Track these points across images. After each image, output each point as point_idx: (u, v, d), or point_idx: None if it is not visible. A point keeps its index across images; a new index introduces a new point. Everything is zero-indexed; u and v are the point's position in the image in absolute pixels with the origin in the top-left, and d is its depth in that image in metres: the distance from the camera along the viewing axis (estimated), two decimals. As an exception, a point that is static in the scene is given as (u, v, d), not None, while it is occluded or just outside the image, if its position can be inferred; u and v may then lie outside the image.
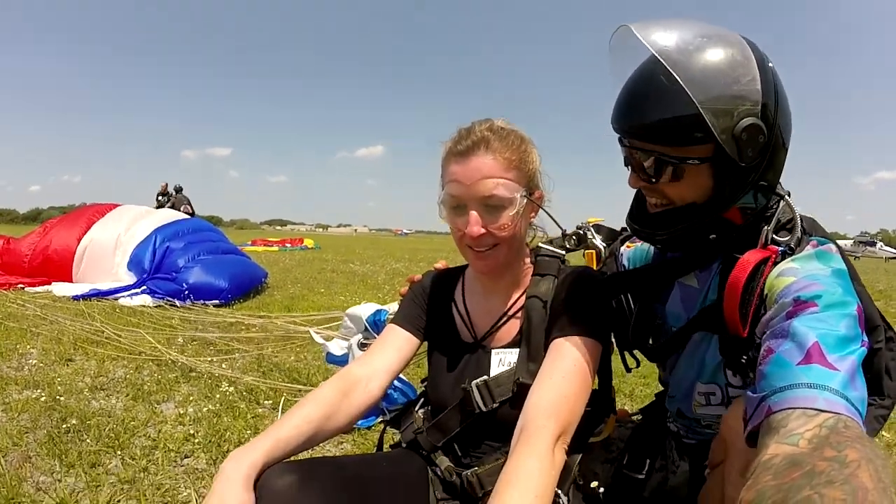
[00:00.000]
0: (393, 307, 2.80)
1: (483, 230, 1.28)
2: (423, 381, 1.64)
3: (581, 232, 1.69)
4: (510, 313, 1.43)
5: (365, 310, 2.82)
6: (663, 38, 1.09)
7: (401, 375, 2.82)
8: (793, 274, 1.06)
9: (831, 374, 0.84)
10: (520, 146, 1.33)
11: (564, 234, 1.71)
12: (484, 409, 1.34)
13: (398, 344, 1.49)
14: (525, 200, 1.32)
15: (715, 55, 1.09)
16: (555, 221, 1.47)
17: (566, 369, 1.24)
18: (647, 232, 1.29)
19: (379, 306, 2.84)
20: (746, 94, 1.08)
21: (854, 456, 0.66)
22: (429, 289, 1.57)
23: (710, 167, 1.14)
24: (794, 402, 0.81)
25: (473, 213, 1.28)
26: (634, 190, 1.34)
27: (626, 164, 1.27)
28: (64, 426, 2.75)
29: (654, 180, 1.19)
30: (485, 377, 1.37)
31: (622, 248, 1.63)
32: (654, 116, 1.12)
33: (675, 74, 1.06)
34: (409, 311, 1.55)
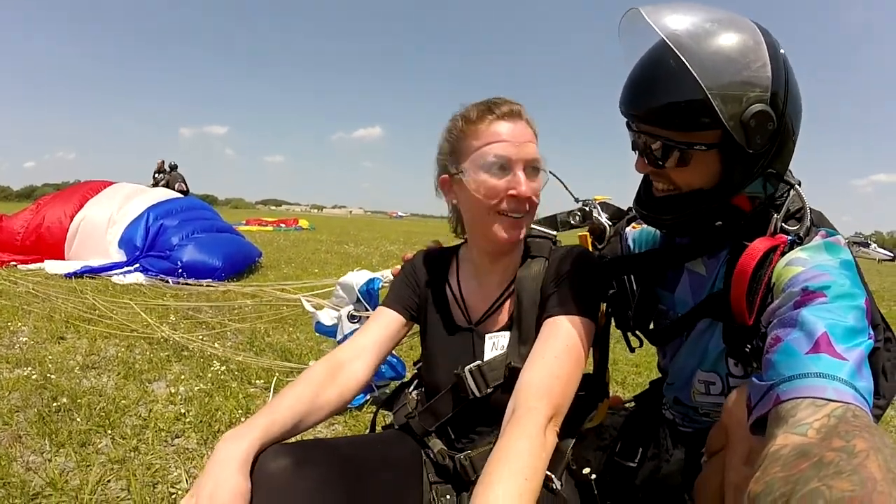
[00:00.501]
0: (387, 273, 2.77)
1: (530, 192, 1.29)
2: (415, 364, 1.64)
3: (587, 209, 1.67)
4: (504, 296, 1.42)
5: (358, 277, 2.78)
6: (673, 22, 1.09)
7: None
8: (801, 264, 1.05)
9: (840, 363, 0.84)
10: (536, 127, 1.38)
11: (570, 212, 1.71)
12: (478, 394, 1.34)
13: (386, 323, 1.48)
14: (547, 175, 1.37)
15: (725, 40, 1.08)
16: (569, 192, 1.56)
17: (558, 349, 1.23)
18: (653, 216, 1.29)
19: (372, 274, 2.81)
20: (756, 80, 1.07)
21: (862, 446, 0.66)
22: (421, 269, 1.56)
23: (717, 153, 1.13)
24: (803, 391, 0.81)
25: (522, 174, 1.28)
26: (641, 175, 1.34)
27: (634, 149, 1.27)
28: (54, 405, 2.73)
29: (660, 164, 1.19)
30: (478, 362, 1.36)
31: (628, 229, 1.63)
32: (662, 101, 1.12)
33: (683, 59, 1.05)
34: (399, 291, 1.54)
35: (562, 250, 1.44)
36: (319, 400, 1.28)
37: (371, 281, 2.77)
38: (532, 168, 1.31)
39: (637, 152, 1.26)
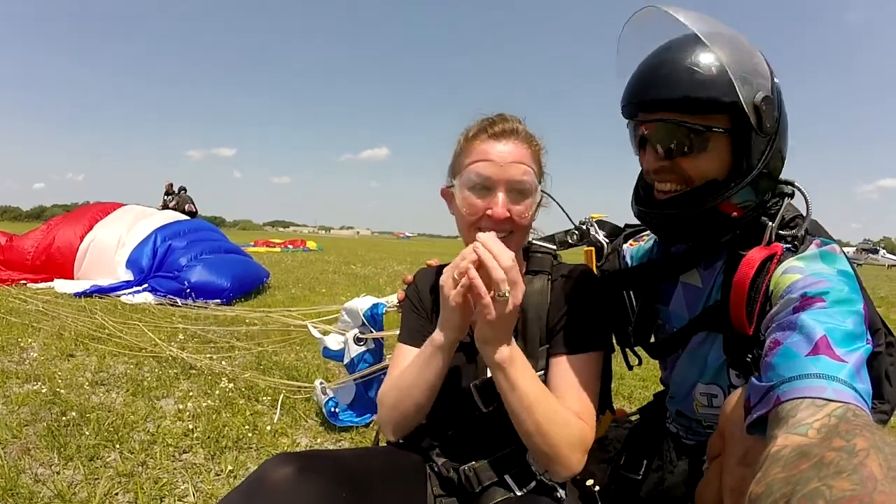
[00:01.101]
0: (392, 299, 2.78)
1: (507, 213, 1.28)
2: None
3: (584, 227, 1.69)
4: None
5: (362, 303, 2.81)
6: (689, 16, 1.15)
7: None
8: (799, 272, 1.06)
9: (839, 365, 0.84)
10: (540, 144, 1.38)
11: (567, 231, 1.71)
12: (485, 410, 1.34)
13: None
14: (541, 195, 1.35)
15: (733, 34, 1.17)
16: (566, 214, 1.52)
17: (577, 391, 1.27)
18: (657, 213, 1.27)
19: (376, 299, 2.83)
20: (761, 70, 1.15)
21: (863, 445, 0.66)
22: (423, 289, 1.55)
23: (728, 140, 1.16)
24: (803, 391, 0.82)
25: (502, 195, 1.28)
26: (632, 184, 1.35)
27: (641, 147, 1.26)
28: (63, 419, 2.75)
29: (678, 153, 1.18)
30: (483, 378, 1.36)
31: (625, 246, 1.63)
32: (683, 84, 1.14)
33: (707, 42, 1.12)
34: (409, 324, 1.51)
35: (565, 269, 1.44)
36: None
37: (375, 306, 2.79)
38: (516, 190, 1.29)
39: (644, 149, 1.25)
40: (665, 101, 1.17)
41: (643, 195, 1.33)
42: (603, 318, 1.38)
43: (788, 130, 1.22)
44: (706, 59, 1.13)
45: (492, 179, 1.28)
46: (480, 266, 1.14)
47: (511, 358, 1.20)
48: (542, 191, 1.35)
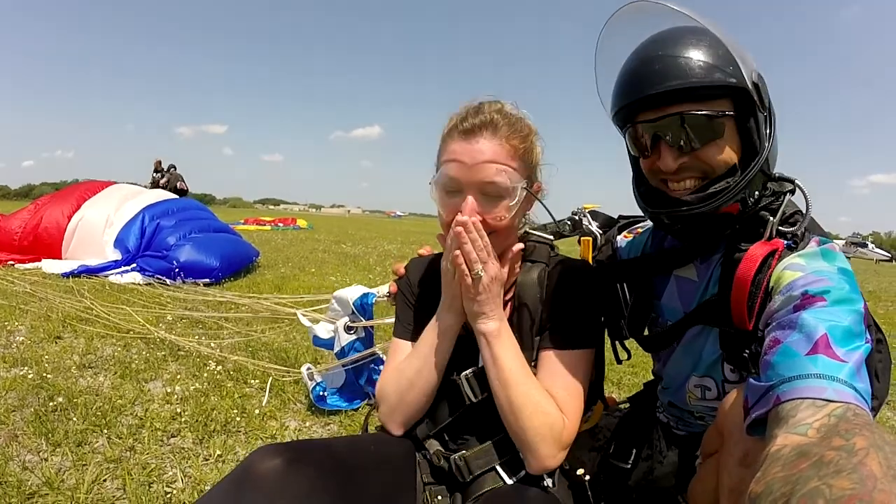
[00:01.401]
0: (382, 289, 2.79)
1: (478, 218, 1.23)
2: None
3: (577, 217, 1.67)
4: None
5: (352, 292, 2.81)
6: (675, 5, 1.16)
7: (384, 357, 2.82)
8: (800, 269, 1.06)
9: (839, 365, 0.84)
10: (527, 136, 1.30)
11: (559, 221, 1.69)
12: (474, 399, 1.35)
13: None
14: (525, 193, 1.28)
15: (712, 22, 1.16)
16: (551, 216, 1.42)
17: (560, 386, 1.28)
18: (685, 213, 1.20)
19: (366, 289, 2.83)
20: (748, 53, 1.15)
21: (862, 444, 0.66)
22: (414, 280, 1.54)
23: (734, 124, 1.16)
24: (803, 391, 0.82)
25: (470, 199, 1.23)
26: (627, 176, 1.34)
27: (651, 148, 1.23)
28: (51, 404, 2.73)
29: (698, 144, 1.16)
30: (474, 368, 1.36)
31: (619, 238, 1.62)
32: (690, 72, 1.13)
33: (706, 26, 1.13)
34: (405, 319, 1.51)
35: (562, 262, 1.42)
36: None
37: (365, 295, 2.79)
38: (487, 192, 1.25)
39: (657, 149, 1.21)
40: (674, 92, 1.14)
41: (657, 199, 1.27)
42: (596, 315, 1.38)
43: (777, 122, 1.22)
44: (705, 45, 1.13)
45: (460, 182, 1.25)
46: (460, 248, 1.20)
47: (498, 331, 1.26)
48: (523, 187, 1.27)
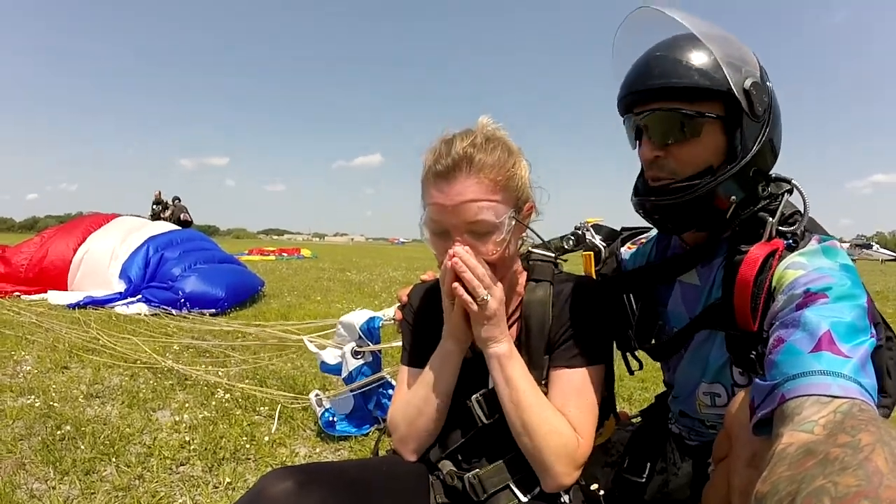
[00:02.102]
0: (388, 313, 2.79)
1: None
2: None
3: (580, 232, 1.68)
4: (507, 322, 1.38)
5: (358, 317, 2.81)
6: (680, 14, 1.21)
7: (392, 382, 2.81)
8: (801, 267, 1.07)
9: (843, 361, 0.84)
10: (507, 161, 1.24)
11: (563, 236, 1.70)
12: (486, 421, 1.34)
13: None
14: (514, 223, 1.25)
15: (724, 31, 1.22)
16: (540, 239, 1.40)
17: (574, 405, 1.28)
18: (651, 201, 1.26)
19: (372, 313, 2.83)
20: (748, 58, 1.20)
21: (868, 440, 0.65)
22: (419, 306, 1.52)
23: (721, 127, 1.19)
24: (807, 389, 0.81)
25: (458, 241, 1.21)
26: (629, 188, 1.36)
27: (637, 139, 1.29)
28: (59, 433, 2.72)
29: (672, 140, 1.21)
30: (484, 390, 1.36)
31: (623, 249, 1.62)
32: (674, 73, 1.18)
33: (697, 34, 1.17)
34: (411, 346, 1.50)
35: (566, 280, 1.41)
36: None
37: (371, 320, 2.79)
38: (474, 230, 1.22)
39: (641, 140, 1.27)
40: (658, 90, 1.20)
41: (641, 188, 1.34)
42: (605, 331, 1.38)
43: (781, 127, 1.26)
44: (696, 50, 1.18)
45: (443, 224, 1.23)
46: (458, 278, 1.20)
47: (509, 353, 1.26)
48: (511, 217, 1.24)
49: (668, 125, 1.21)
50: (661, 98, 1.20)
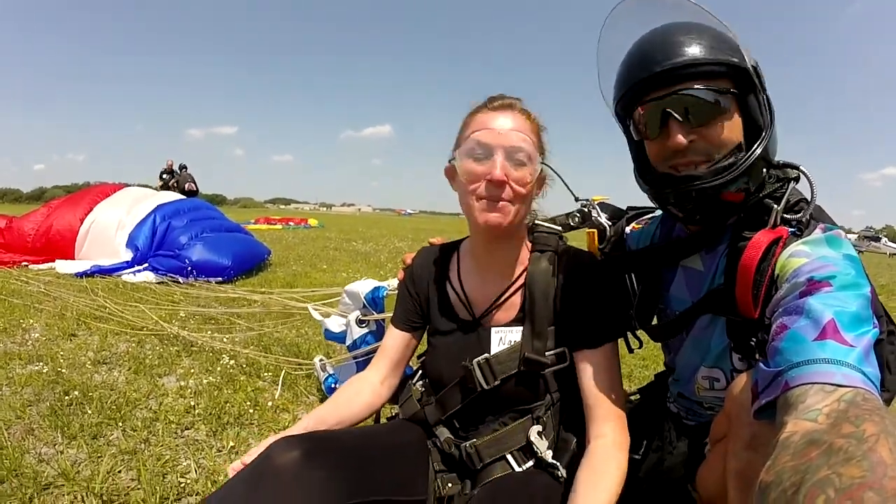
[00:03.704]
0: (392, 283, 2.80)
1: (504, 177, 1.27)
2: (419, 357, 1.65)
3: (585, 209, 1.66)
4: (510, 291, 1.43)
5: (363, 286, 2.82)
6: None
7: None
8: (805, 255, 1.06)
9: (848, 349, 0.83)
10: (539, 124, 1.39)
11: (568, 213, 1.69)
12: (486, 386, 1.36)
13: (396, 345, 1.57)
14: (541, 168, 1.34)
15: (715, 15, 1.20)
16: (567, 187, 1.51)
17: (605, 381, 1.31)
18: (696, 185, 1.19)
19: (377, 282, 2.84)
20: (743, 44, 1.18)
21: (872, 430, 0.65)
22: (420, 271, 1.58)
23: (737, 103, 1.19)
24: (812, 377, 0.80)
25: (500, 158, 1.27)
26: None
27: (660, 128, 1.22)
28: (66, 399, 2.77)
29: (715, 115, 1.18)
30: (486, 355, 1.38)
31: (628, 229, 1.61)
32: (697, 50, 1.16)
33: (712, 14, 1.18)
34: (401, 309, 1.59)
35: (571, 252, 1.44)
36: (342, 419, 1.44)
37: (376, 289, 2.80)
38: (514, 157, 1.29)
39: (666, 128, 1.20)
40: (681, 70, 1.16)
41: (665, 181, 1.26)
42: (617, 304, 1.41)
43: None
44: (703, 29, 1.17)
45: (490, 145, 1.28)
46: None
47: None
48: (542, 163, 1.34)
49: (701, 105, 1.16)
50: (685, 79, 1.17)
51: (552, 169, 1.41)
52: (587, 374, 1.31)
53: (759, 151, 1.16)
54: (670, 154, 1.22)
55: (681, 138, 1.18)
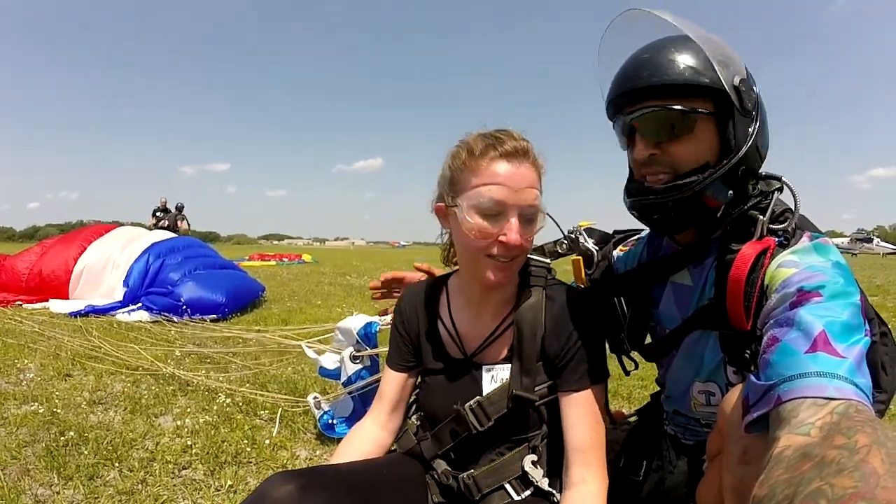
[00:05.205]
0: (385, 319, 2.81)
1: (519, 241, 1.25)
2: (413, 392, 1.65)
3: (573, 236, 1.68)
4: (501, 328, 1.42)
5: (355, 322, 2.83)
6: (670, 16, 1.23)
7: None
8: (793, 265, 1.07)
9: (839, 361, 0.83)
10: (542, 167, 1.33)
11: (556, 241, 1.71)
12: (480, 428, 1.35)
13: (392, 387, 1.54)
14: (545, 218, 1.33)
15: (704, 31, 1.22)
16: (559, 228, 1.49)
17: (589, 422, 1.30)
18: (650, 200, 1.25)
19: (369, 318, 2.85)
20: (734, 57, 1.21)
21: (864, 441, 0.65)
22: (410, 310, 1.55)
23: (714, 123, 1.20)
24: (803, 391, 0.80)
25: (515, 221, 1.24)
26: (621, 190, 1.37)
27: (629, 140, 1.29)
28: (62, 439, 2.75)
29: (673, 134, 1.21)
30: (478, 397, 1.37)
31: (615, 252, 1.62)
32: (665, 71, 1.19)
33: (689, 33, 1.19)
34: (394, 350, 1.56)
35: (559, 288, 1.43)
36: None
37: (368, 325, 2.81)
38: (527, 215, 1.26)
39: (633, 140, 1.27)
40: (650, 88, 1.20)
41: (634, 189, 1.31)
42: (602, 347, 1.40)
43: (768, 130, 1.26)
44: (686, 48, 1.19)
45: (505, 205, 1.23)
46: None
47: None
48: (546, 213, 1.33)
49: (662, 122, 1.21)
50: (652, 96, 1.20)
51: (550, 216, 1.38)
52: (570, 417, 1.31)
53: (719, 173, 1.19)
54: (639, 165, 1.28)
55: (641, 151, 1.25)
